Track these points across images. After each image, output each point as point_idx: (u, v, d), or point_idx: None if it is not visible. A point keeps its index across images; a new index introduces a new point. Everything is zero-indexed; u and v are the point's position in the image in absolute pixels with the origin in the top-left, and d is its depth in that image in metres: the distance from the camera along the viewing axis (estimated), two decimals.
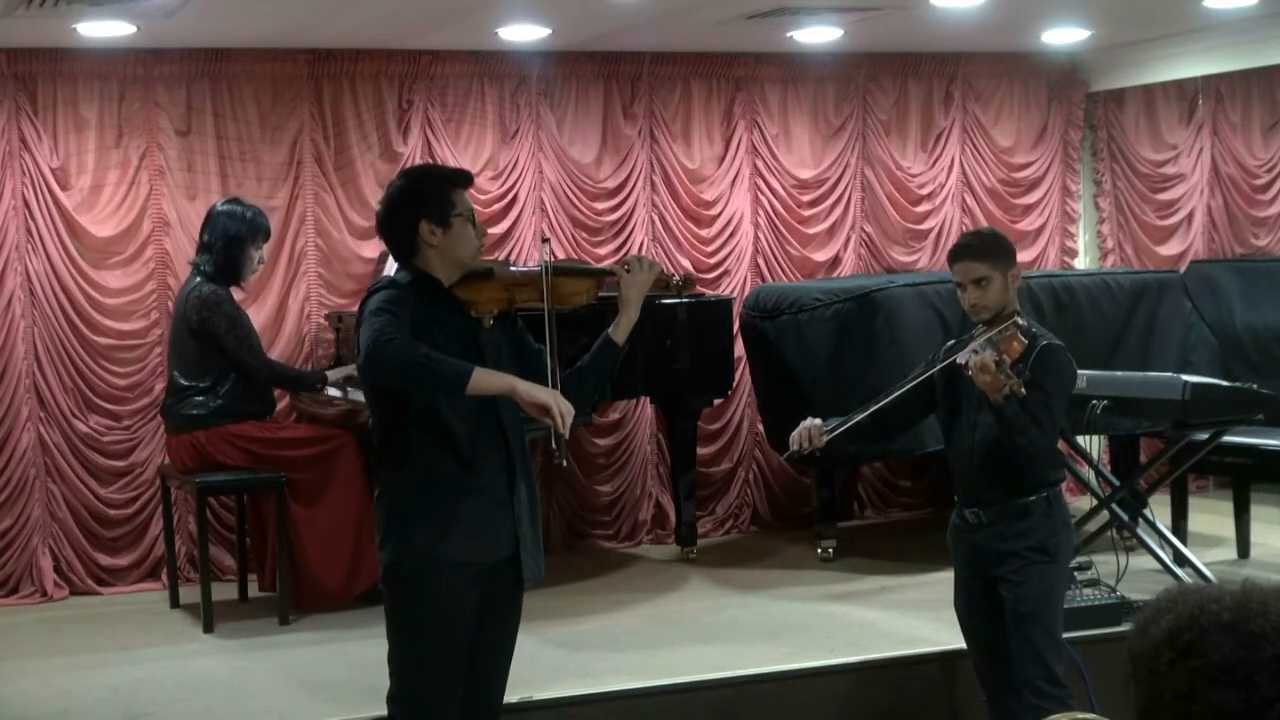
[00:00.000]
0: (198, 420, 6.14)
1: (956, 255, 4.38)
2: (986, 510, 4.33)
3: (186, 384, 6.19)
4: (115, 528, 6.92)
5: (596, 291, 4.02)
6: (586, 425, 7.13)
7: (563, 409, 3.65)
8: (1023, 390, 4.02)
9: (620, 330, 3.92)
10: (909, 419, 4.60)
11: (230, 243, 6.25)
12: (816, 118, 8.00)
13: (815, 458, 4.56)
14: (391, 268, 6.65)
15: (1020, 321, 4.26)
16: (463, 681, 3.88)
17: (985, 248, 4.34)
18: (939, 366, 4.32)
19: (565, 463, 3.81)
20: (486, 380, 3.67)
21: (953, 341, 4.46)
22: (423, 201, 3.87)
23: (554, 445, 3.69)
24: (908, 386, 4.38)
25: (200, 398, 6.16)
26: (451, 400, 3.74)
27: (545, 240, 4.14)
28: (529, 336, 4.02)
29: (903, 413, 4.49)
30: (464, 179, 4.02)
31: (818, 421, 4.31)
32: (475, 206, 7.17)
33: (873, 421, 4.38)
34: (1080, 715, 2.98)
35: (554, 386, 3.73)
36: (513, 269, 4.06)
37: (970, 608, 4.46)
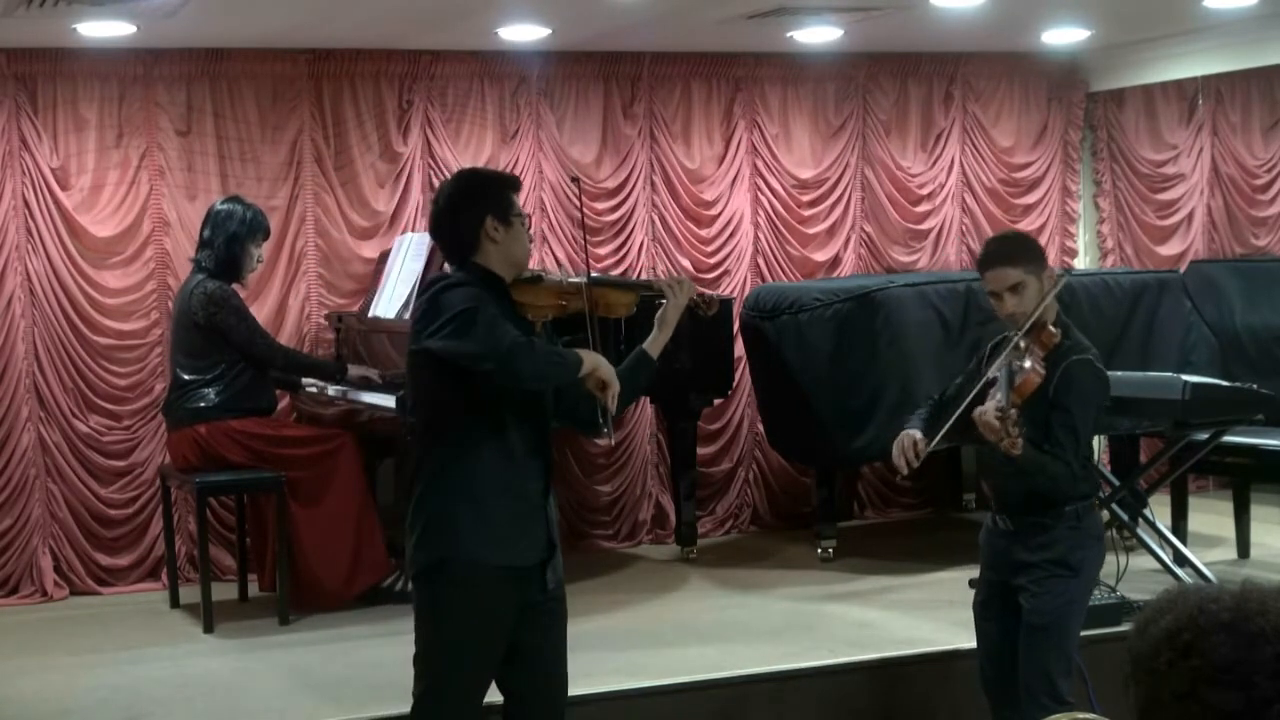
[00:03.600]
0: (200, 413, 6.13)
1: (987, 263, 4.25)
2: (1014, 518, 4.29)
3: (190, 378, 6.19)
4: (115, 528, 6.92)
5: (636, 302, 4.22)
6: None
7: (615, 386, 3.89)
8: (1015, 451, 3.93)
9: (655, 346, 4.07)
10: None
11: (230, 240, 6.26)
12: (816, 118, 7.99)
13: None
14: (393, 268, 6.75)
15: (1052, 334, 4.14)
16: (488, 687, 3.89)
17: (1017, 252, 4.23)
18: (982, 381, 4.20)
19: (612, 440, 3.98)
20: (589, 360, 3.87)
21: (996, 340, 4.33)
22: (487, 198, 3.93)
23: (601, 420, 3.92)
24: (976, 389, 4.22)
25: (204, 389, 6.16)
26: (509, 395, 3.81)
27: (575, 179, 4.22)
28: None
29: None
30: (517, 183, 4.14)
31: (915, 434, 4.22)
32: None
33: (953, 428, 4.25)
34: (1080, 715, 2.97)
35: None
36: (559, 279, 4.13)
37: (987, 611, 4.42)
